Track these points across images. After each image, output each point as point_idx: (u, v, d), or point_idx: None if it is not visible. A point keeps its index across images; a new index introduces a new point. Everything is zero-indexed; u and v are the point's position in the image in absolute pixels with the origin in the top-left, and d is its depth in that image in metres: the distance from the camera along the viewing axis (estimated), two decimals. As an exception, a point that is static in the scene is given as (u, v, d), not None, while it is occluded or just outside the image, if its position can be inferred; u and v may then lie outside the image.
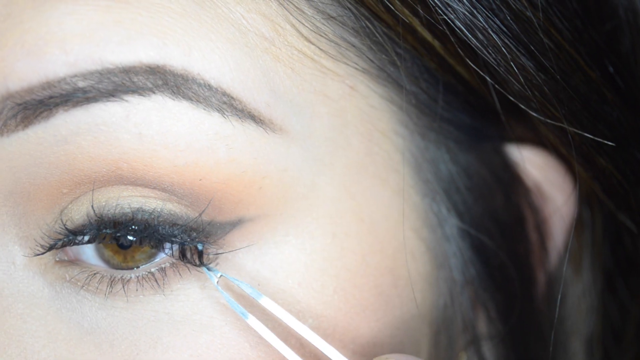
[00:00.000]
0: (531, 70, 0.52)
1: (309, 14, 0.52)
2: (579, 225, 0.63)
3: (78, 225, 0.51)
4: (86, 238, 0.51)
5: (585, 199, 0.62)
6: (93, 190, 0.50)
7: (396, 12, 0.52)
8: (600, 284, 0.65)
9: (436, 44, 0.54)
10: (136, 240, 0.51)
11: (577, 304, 0.65)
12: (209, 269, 0.51)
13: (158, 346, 0.51)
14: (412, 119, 0.55)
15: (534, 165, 0.60)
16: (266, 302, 0.50)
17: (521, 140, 0.61)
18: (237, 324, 0.51)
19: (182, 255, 0.51)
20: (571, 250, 0.64)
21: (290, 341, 0.51)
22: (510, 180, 0.60)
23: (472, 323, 0.59)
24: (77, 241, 0.51)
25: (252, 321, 0.50)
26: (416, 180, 0.56)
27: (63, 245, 0.51)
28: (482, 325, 0.60)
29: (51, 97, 0.48)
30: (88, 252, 0.52)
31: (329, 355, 0.50)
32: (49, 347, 0.51)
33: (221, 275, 0.51)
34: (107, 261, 0.52)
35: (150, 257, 0.52)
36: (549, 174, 0.61)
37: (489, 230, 0.59)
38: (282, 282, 0.52)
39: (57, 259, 0.52)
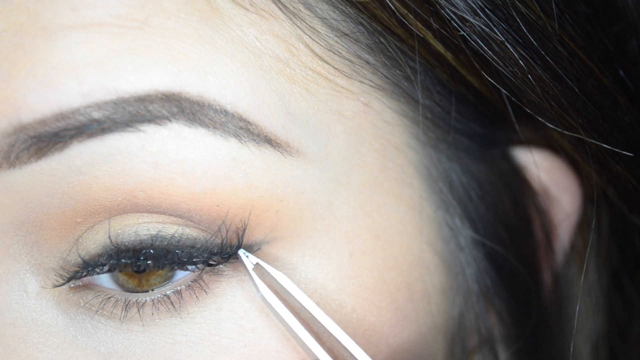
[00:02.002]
0: (548, 81, 0.52)
1: (322, 32, 0.52)
2: (584, 226, 0.65)
3: (94, 255, 0.51)
4: (105, 269, 0.51)
5: (592, 200, 0.63)
6: (110, 220, 0.50)
7: (410, 26, 0.52)
8: (606, 283, 0.66)
9: (449, 55, 0.54)
10: (157, 266, 0.51)
11: (583, 304, 0.66)
12: (245, 255, 0.51)
13: None
14: (425, 131, 0.56)
15: (541, 168, 0.61)
16: (299, 295, 0.50)
17: (528, 143, 0.61)
18: (256, 346, 0.52)
19: (209, 265, 0.51)
20: (576, 250, 0.65)
21: (321, 344, 0.52)
22: (518, 184, 0.61)
23: (488, 331, 0.60)
24: (96, 272, 0.51)
25: (287, 317, 0.50)
26: (429, 193, 0.57)
27: (82, 277, 0.51)
28: (497, 332, 0.61)
29: (65, 129, 0.48)
30: (102, 276, 0.53)
31: (357, 356, 0.50)
32: None
33: (257, 263, 0.51)
34: (121, 285, 0.52)
35: (165, 279, 0.52)
36: (556, 176, 0.62)
37: (500, 236, 0.60)
38: (300, 303, 0.53)
39: (71, 285, 0.52)
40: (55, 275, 0.52)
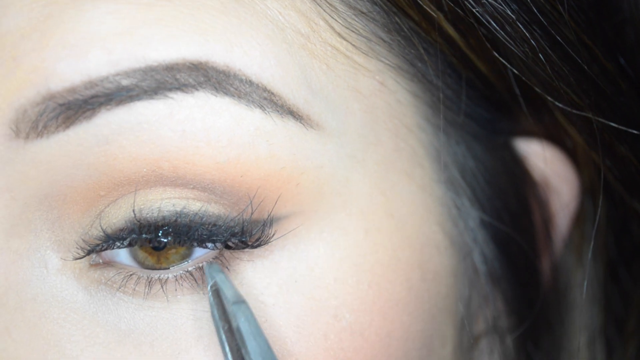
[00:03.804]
0: (557, 61, 0.55)
1: (340, 10, 0.54)
2: (582, 217, 0.67)
3: (116, 229, 0.52)
4: (126, 243, 0.52)
5: (589, 190, 0.66)
6: (135, 193, 0.51)
7: (423, 6, 0.54)
8: (603, 274, 0.68)
9: (459, 39, 0.57)
10: (178, 242, 0.52)
11: (580, 295, 0.69)
12: (210, 270, 0.52)
13: (199, 344, 0.53)
14: (436, 113, 0.58)
15: (541, 158, 0.64)
16: (245, 312, 0.52)
17: (529, 134, 0.64)
18: (276, 321, 0.54)
19: (227, 247, 0.52)
20: (574, 241, 0.68)
21: None
22: (520, 174, 0.64)
23: (494, 315, 0.62)
24: (117, 245, 0.52)
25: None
26: (439, 175, 0.59)
27: (102, 250, 0.52)
28: (504, 316, 0.63)
29: (94, 97, 0.50)
30: (122, 253, 0.54)
31: None
32: (88, 350, 0.52)
33: (214, 283, 0.52)
34: (140, 262, 0.53)
35: (184, 257, 0.54)
36: (556, 167, 0.64)
37: (506, 221, 0.62)
38: (319, 279, 0.54)
39: (92, 262, 0.53)
40: (77, 248, 0.52)
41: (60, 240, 0.53)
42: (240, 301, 0.51)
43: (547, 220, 0.66)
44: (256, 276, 0.54)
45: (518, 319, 0.64)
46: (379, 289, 0.56)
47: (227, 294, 0.51)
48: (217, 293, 0.52)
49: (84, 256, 0.53)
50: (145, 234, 0.52)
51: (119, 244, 0.53)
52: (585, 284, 0.68)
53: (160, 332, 0.53)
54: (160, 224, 0.52)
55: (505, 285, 0.63)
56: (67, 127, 0.50)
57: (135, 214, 0.52)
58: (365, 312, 0.55)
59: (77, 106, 0.50)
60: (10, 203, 0.52)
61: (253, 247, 0.53)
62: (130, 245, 0.52)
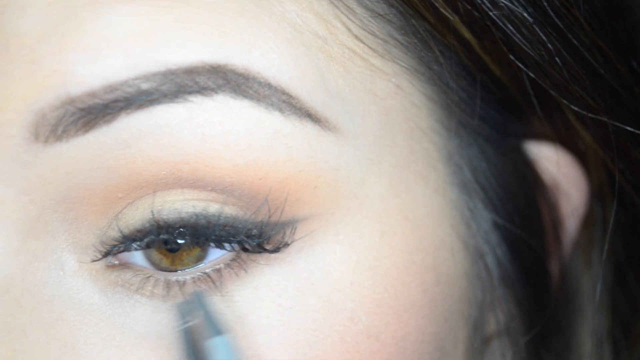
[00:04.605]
0: (573, 64, 0.55)
1: (358, 12, 0.55)
2: (590, 221, 0.67)
3: (134, 230, 0.53)
4: (143, 244, 0.52)
5: (598, 193, 0.66)
6: (154, 194, 0.51)
7: (439, 9, 0.55)
8: (611, 278, 0.69)
9: (474, 41, 0.57)
10: (195, 243, 0.52)
11: (587, 298, 0.69)
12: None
13: None
14: (450, 115, 0.58)
15: (552, 162, 0.64)
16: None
17: (540, 137, 0.64)
18: (294, 323, 0.54)
19: (245, 250, 0.53)
20: (581, 244, 0.68)
21: None
22: (530, 176, 0.64)
23: (507, 317, 0.63)
24: (134, 247, 0.52)
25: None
26: (452, 177, 0.59)
27: (119, 252, 0.53)
28: (516, 319, 0.63)
29: (114, 101, 0.50)
30: (137, 254, 0.54)
31: None
32: (104, 353, 0.53)
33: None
34: (155, 264, 0.54)
35: (198, 259, 0.54)
36: (566, 170, 0.65)
37: (517, 224, 0.62)
38: (335, 281, 0.55)
39: (108, 264, 0.54)
40: (94, 250, 0.53)
41: (77, 242, 0.53)
42: (222, 333, 0.52)
43: (556, 223, 0.66)
44: (273, 279, 0.54)
45: (529, 321, 0.65)
46: (394, 291, 0.56)
47: (209, 326, 0.51)
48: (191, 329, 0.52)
49: (101, 258, 0.53)
50: (163, 234, 0.52)
51: (136, 245, 0.53)
52: (598, 287, 0.69)
53: (177, 334, 0.53)
54: (178, 224, 0.53)
55: (518, 287, 0.63)
56: (87, 131, 0.51)
57: (153, 214, 0.52)
58: (382, 315, 0.56)
59: (97, 110, 0.50)
60: (28, 205, 0.52)
61: (270, 252, 0.53)
62: (147, 247, 0.53)
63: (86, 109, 0.51)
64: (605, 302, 0.70)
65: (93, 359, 0.53)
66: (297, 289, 0.54)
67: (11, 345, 0.52)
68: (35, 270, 0.53)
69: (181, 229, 0.53)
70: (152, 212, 0.52)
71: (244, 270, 0.54)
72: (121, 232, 0.53)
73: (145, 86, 0.51)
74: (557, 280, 0.69)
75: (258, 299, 0.54)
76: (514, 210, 0.63)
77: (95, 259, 0.53)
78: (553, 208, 0.66)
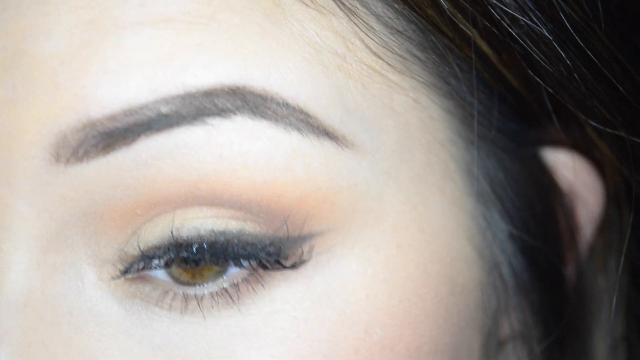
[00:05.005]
0: (591, 79, 0.56)
1: (377, 29, 0.55)
2: (605, 225, 0.68)
3: (152, 247, 0.54)
4: (162, 262, 0.54)
5: (614, 199, 0.67)
6: (174, 213, 0.52)
7: (458, 24, 0.55)
8: (626, 282, 0.69)
9: (492, 55, 0.57)
10: (214, 262, 0.53)
11: (603, 302, 0.70)
12: None
13: (233, 359, 0.53)
14: (468, 128, 0.59)
15: (568, 168, 0.65)
16: None
17: (556, 144, 0.65)
18: (309, 335, 0.55)
19: (263, 267, 0.54)
20: (597, 249, 0.69)
21: None
22: (547, 184, 0.65)
23: (522, 326, 0.63)
24: (153, 265, 0.53)
25: None
26: (470, 189, 0.60)
27: (139, 270, 0.54)
28: (532, 328, 0.64)
29: (134, 125, 0.51)
30: (158, 270, 0.55)
31: None
32: None
33: None
34: (174, 277, 0.55)
35: (218, 273, 0.55)
36: (583, 177, 0.65)
37: (534, 233, 0.63)
38: (351, 294, 0.56)
39: (127, 277, 0.54)
40: (112, 267, 0.54)
41: (96, 255, 0.54)
42: None
43: (573, 229, 0.67)
44: (289, 291, 0.55)
45: (545, 328, 0.66)
46: (409, 303, 0.57)
47: None
48: None
49: (120, 276, 0.54)
50: (182, 253, 0.53)
51: (154, 264, 0.54)
52: (615, 292, 0.69)
53: (194, 347, 0.54)
54: (196, 242, 0.53)
55: (534, 296, 0.64)
56: (107, 152, 0.52)
57: (172, 233, 0.53)
58: (396, 327, 0.56)
59: (117, 134, 0.51)
60: (48, 222, 0.53)
61: (289, 268, 0.54)
62: (166, 265, 0.54)
63: (107, 132, 0.51)
64: (620, 307, 0.71)
65: None
66: (313, 301, 0.55)
67: (30, 358, 0.53)
68: (55, 282, 0.54)
69: (202, 247, 0.53)
70: (171, 231, 0.53)
71: (261, 285, 0.55)
72: (140, 249, 0.54)
73: (165, 109, 0.51)
74: (573, 284, 0.69)
75: (274, 312, 0.55)
76: (530, 218, 0.64)
77: (115, 277, 0.54)
78: (569, 214, 0.67)
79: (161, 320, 0.55)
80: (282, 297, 0.55)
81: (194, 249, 0.54)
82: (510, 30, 0.55)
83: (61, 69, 0.52)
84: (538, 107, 0.63)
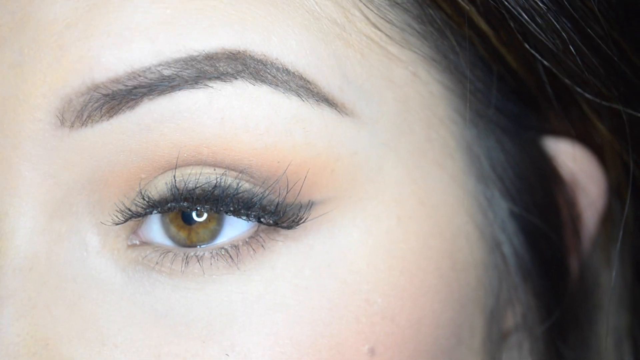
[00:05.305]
0: (588, 54, 0.57)
1: (375, 0, 0.56)
2: (609, 216, 0.68)
3: (155, 201, 0.55)
4: (165, 208, 0.55)
5: (616, 189, 0.67)
6: (175, 169, 0.53)
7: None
8: (630, 276, 0.70)
9: (489, 31, 0.58)
10: (214, 210, 0.55)
11: (607, 295, 0.70)
12: None
13: (234, 325, 0.55)
14: (467, 106, 0.59)
15: (570, 157, 0.66)
16: None
17: (557, 133, 0.65)
18: (310, 303, 0.56)
19: (261, 223, 0.55)
20: (600, 242, 0.69)
21: None
22: (548, 171, 0.65)
23: (524, 308, 0.63)
24: (155, 212, 0.55)
25: None
26: (470, 167, 0.61)
27: (140, 215, 0.55)
28: (533, 310, 0.64)
29: (137, 87, 0.52)
30: (155, 229, 0.56)
31: None
32: (125, 330, 0.54)
33: None
34: (172, 238, 0.56)
35: (214, 234, 0.56)
36: (584, 165, 0.66)
37: (535, 215, 0.63)
38: (352, 263, 0.56)
39: (129, 243, 0.55)
40: (116, 234, 0.54)
41: (100, 223, 0.55)
42: None
43: (574, 218, 0.67)
44: (290, 259, 0.56)
45: (547, 313, 0.66)
46: (410, 275, 0.57)
47: None
48: None
49: (124, 221, 0.55)
50: (183, 201, 0.54)
51: (156, 210, 0.55)
52: (614, 284, 0.69)
53: (195, 313, 0.55)
54: (197, 192, 0.54)
55: (535, 278, 0.64)
56: (111, 116, 0.53)
57: (175, 180, 0.54)
58: (397, 298, 0.57)
59: (120, 96, 0.52)
60: (53, 188, 0.54)
61: (286, 227, 0.55)
62: (169, 210, 0.55)
63: (110, 94, 0.53)
64: (624, 300, 0.71)
65: (114, 336, 0.54)
66: (313, 270, 0.56)
67: (34, 320, 0.54)
68: (59, 249, 0.55)
69: (202, 197, 0.54)
70: (174, 177, 0.54)
71: (262, 247, 0.55)
72: (143, 197, 0.55)
73: (167, 72, 0.53)
74: (576, 275, 0.70)
75: (275, 279, 0.56)
76: (531, 202, 0.64)
77: (118, 222, 0.55)
78: (571, 203, 0.67)
79: (163, 287, 0.55)
80: (282, 265, 0.56)
81: (194, 197, 0.55)
82: (506, 3, 0.56)
83: (66, 32, 0.53)
84: (538, 91, 0.63)
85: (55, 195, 0.55)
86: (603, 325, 0.71)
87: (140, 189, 0.55)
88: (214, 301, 0.55)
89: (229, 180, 0.55)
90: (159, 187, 0.55)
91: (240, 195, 0.55)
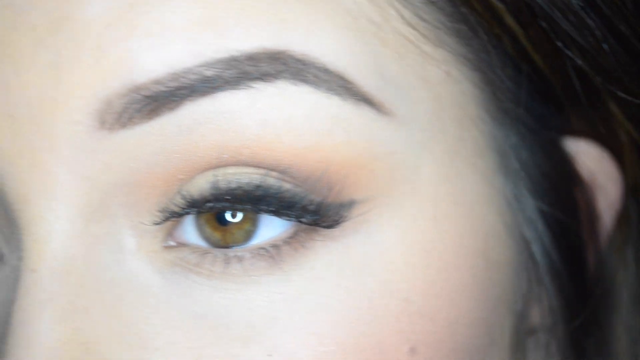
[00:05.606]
0: (621, 52, 0.57)
1: None
2: (625, 217, 0.69)
3: (195, 200, 0.55)
4: (206, 206, 0.54)
5: (633, 191, 0.68)
6: (215, 169, 0.53)
7: None
8: None
9: (518, 30, 0.59)
10: (255, 211, 0.54)
11: (622, 296, 0.70)
12: None
13: (276, 326, 0.54)
14: (496, 105, 0.60)
15: (589, 157, 0.66)
16: None
17: (577, 133, 0.66)
18: (351, 303, 0.55)
19: (301, 223, 0.55)
20: (616, 242, 0.70)
21: None
22: (569, 171, 0.66)
23: (552, 308, 0.64)
24: (195, 210, 0.54)
25: None
26: (499, 166, 0.61)
27: (179, 215, 0.54)
28: (560, 310, 0.64)
29: (178, 88, 0.51)
30: (190, 230, 0.56)
31: None
32: (164, 333, 0.54)
33: None
34: (207, 239, 0.55)
35: (248, 234, 0.55)
36: (603, 165, 0.67)
37: (562, 213, 0.64)
38: (390, 263, 0.56)
39: (165, 245, 0.55)
40: (152, 236, 0.54)
41: (136, 225, 0.55)
42: None
43: (594, 218, 0.68)
44: (330, 259, 0.55)
45: (572, 313, 0.66)
46: (447, 274, 0.57)
47: None
48: None
49: (163, 222, 0.55)
50: (224, 201, 0.54)
51: (195, 210, 0.54)
52: (625, 285, 0.70)
53: (236, 314, 0.54)
54: (239, 192, 0.54)
55: (563, 278, 0.64)
56: (151, 118, 0.52)
57: (217, 179, 0.53)
58: (435, 297, 0.57)
59: (162, 98, 0.52)
60: (90, 191, 0.54)
61: (326, 227, 0.55)
62: (209, 210, 0.54)
63: (151, 96, 0.52)
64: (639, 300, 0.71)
65: (153, 339, 0.54)
66: (353, 269, 0.56)
67: (75, 324, 0.53)
68: (96, 252, 0.54)
69: (242, 196, 0.54)
70: (214, 175, 0.54)
71: (302, 246, 0.55)
72: (182, 197, 0.54)
73: (208, 73, 0.52)
74: (594, 275, 0.70)
75: (315, 279, 0.55)
76: (557, 201, 0.65)
77: (157, 222, 0.55)
78: (590, 203, 0.68)
79: (202, 289, 0.55)
80: (322, 265, 0.56)
81: (235, 197, 0.54)
82: (539, 1, 0.57)
83: (105, 33, 0.52)
84: (563, 91, 0.64)
85: (92, 198, 0.54)
86: (618, 325, 0.72)
87: (180, 189, 0.54)
88: (255, 302, 0.55)
89: (271, 180, 0.54)
90: (199, 186, 0.54)
91: (282, 194, 0.54)
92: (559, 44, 0.58)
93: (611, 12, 0.58)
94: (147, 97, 0.52)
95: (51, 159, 0.54)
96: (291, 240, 0.55)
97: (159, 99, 0.52)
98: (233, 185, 0.54)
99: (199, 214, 0.55)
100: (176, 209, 0.55)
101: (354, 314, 0.56)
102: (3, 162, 0.54)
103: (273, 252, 0.55)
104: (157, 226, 0.55)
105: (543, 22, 0.58)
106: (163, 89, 0.52)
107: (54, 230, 0.54)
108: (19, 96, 0.53)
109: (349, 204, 0.56)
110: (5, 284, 0.57)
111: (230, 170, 0.54)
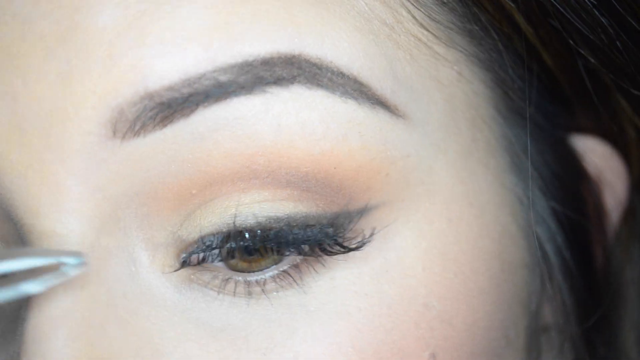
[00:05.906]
0: (634, 49, 0.57)
1: (422, 0, 0.55)
2: (630, 213, 0.69)
3: (209, 234, 0.54)
4: (224, 252, 0.54)
5: (638, 186, 0.68)
6: (229, 198, 0.52)
7: None
8: None
9: (528, 30, 0.58)
10: (275, 247, 0.53)
11: (628, 292, 0.70)
12: None
13: (295, 336, 0.54)
14: (507, 105, 0.59)
15: (596, 154, 0.66)
16: None
17: (584, 130, 0.66)
18: (370, 310, 0.55)
19: (323, 250, 0.53)
20: (622, 238, 0.69)
21: None
22: (576, 168, 0.65)
23: (565, 307, 0.63)
24: (213, 256, 0.54)
25: None
26: (511, 166, 0.60)
27: (199, 262, 0.54)
28: (573, 309, 0.64)
29: (192, 94, 0.50)
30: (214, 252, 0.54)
31: None
32: (181, 347, 0.53)
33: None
34: (232, 266, 0.54)
35: (276, 262, 0.54)
36: (610, 162, 0.67)
37: (573, 211, 0.64)
38: (409, 268, 0.56)
39: (182, 260, 0.54)
40: (165, 250, 0.54)
41: (149, 239, 0.54)
42: None
43: (601, 214, 0.68)
44: (348, 267, 0.55)
45: (584, 310, 0.66)
46: (464, 277, 0.57)
47: None
48: None
49: (179, 268, 0.54)
50: (242, 242, 0.53)
51: (215, 254, 0.54)
52: (631, 281, 0.70)
53: (255, 326, 0.54)
54: (257, 229, 0.53)
55: (575, 275, 0.64)
56: (165, 125, 0.51)
57: (232, 222, 0.53)
58: (453, 301, 0.56)
59: (175, 104, 0.51)
60: (101, 202, 0.53)
61: (352, 250, 0.54)
62: (229, 256, 0.54)
63: (165, 103, 0.51)
64: None
65: (170, 353, 0.53)
66: (372, 276, 0.55)
67: (90, 340, 0.52)
68: (108, 266, 0.54)
69: (261, 235, 0.53)
70: (230, 219, 0.53)
71: (322, 264, 0.55)
72: (200, 234, 0.53)
73: (223, 78, 0.51)
74: (602, 272, 0.70)
75: (334, 288, 0.55)
76: (567, 199, 0.64)
77: (175, 268, 0.54)
78: (598, 199, 0.67)
79: (220, 304, 0.54)
80: (341, 274, 0.55)
81: (254, 237, 0.53)
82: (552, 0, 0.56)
83: (116, 41, 0.51)
84: (571, 90, 0.63)
85: (103, 209, 0.53)
86: (626, 321, 0.72)
87: (201, 235, 0.53)
88: (274, 314, 0.54)
89: (287, 209, 0.53)
90: (213, 221, 0.53)
91: (299, 222, 0.53)
92: (571, 42, 0.58)
93: (623, 9, 0.58)
94: (160, 104, 0.51)
95: (62, 171, 0.52)
96: (310, 258, 0.55)
97: (172, 105, 0.51)
98: (251, 222, 0.53)
99: (221, 258, 0.55)
100: (193, 254, 0.54)
101: (374, 322, 0.55)
102: (12, 176, 0.53)
103: (294, 272, 0.55)
104: (171, 240, 0.54)
105: (555, 21, 0.58)
106: (176, 95, 0.51)
107: (64, 244, 0.53)
108: (28, 107, 0.52)
109: (364, 211, 0.55)
110: (16, 301, 0.55)
111: (247, 199, 0.53)
